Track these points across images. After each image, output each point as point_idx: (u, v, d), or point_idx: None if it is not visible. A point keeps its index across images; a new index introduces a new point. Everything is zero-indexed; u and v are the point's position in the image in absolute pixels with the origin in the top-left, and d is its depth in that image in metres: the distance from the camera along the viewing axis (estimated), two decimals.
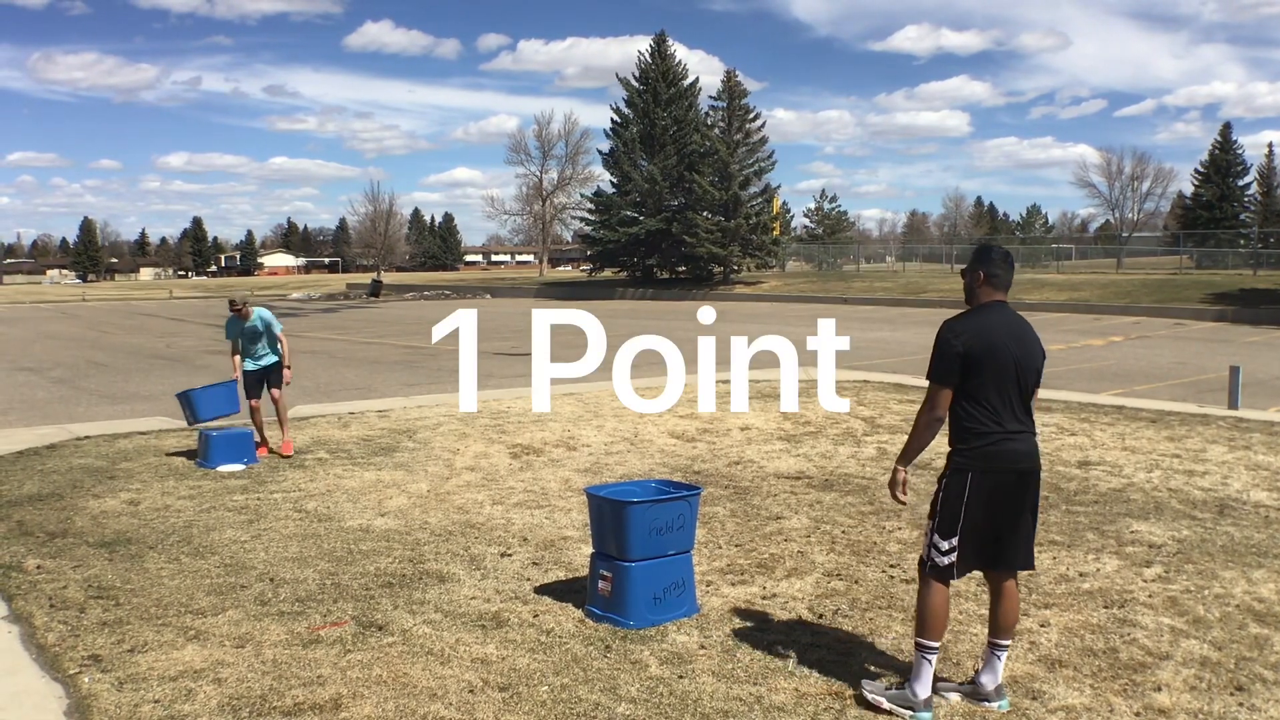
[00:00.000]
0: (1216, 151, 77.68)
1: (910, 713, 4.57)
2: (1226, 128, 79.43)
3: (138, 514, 8.34)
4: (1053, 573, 6.67)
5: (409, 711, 4.66)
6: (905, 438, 4.86)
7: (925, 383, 4.77)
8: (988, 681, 4.76)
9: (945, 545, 4.67)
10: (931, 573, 4.71)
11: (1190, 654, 5.33)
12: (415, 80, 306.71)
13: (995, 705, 4.70)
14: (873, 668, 5.13)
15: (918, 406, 4.84)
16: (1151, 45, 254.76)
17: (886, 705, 4.61)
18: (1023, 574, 6.61)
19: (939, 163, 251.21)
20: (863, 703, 4.70)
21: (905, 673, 4.96)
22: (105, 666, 5.17)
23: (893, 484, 4.79)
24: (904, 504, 4.87)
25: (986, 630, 4.97)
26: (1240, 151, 77.79)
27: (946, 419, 4.71)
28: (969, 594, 6.24)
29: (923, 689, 4.62)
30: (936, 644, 4.66)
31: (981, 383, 4.64)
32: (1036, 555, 6.99)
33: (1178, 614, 5.91)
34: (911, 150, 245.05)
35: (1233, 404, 13.76)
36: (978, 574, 6.60)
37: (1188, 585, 6.42)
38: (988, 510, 4.66)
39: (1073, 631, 5.64)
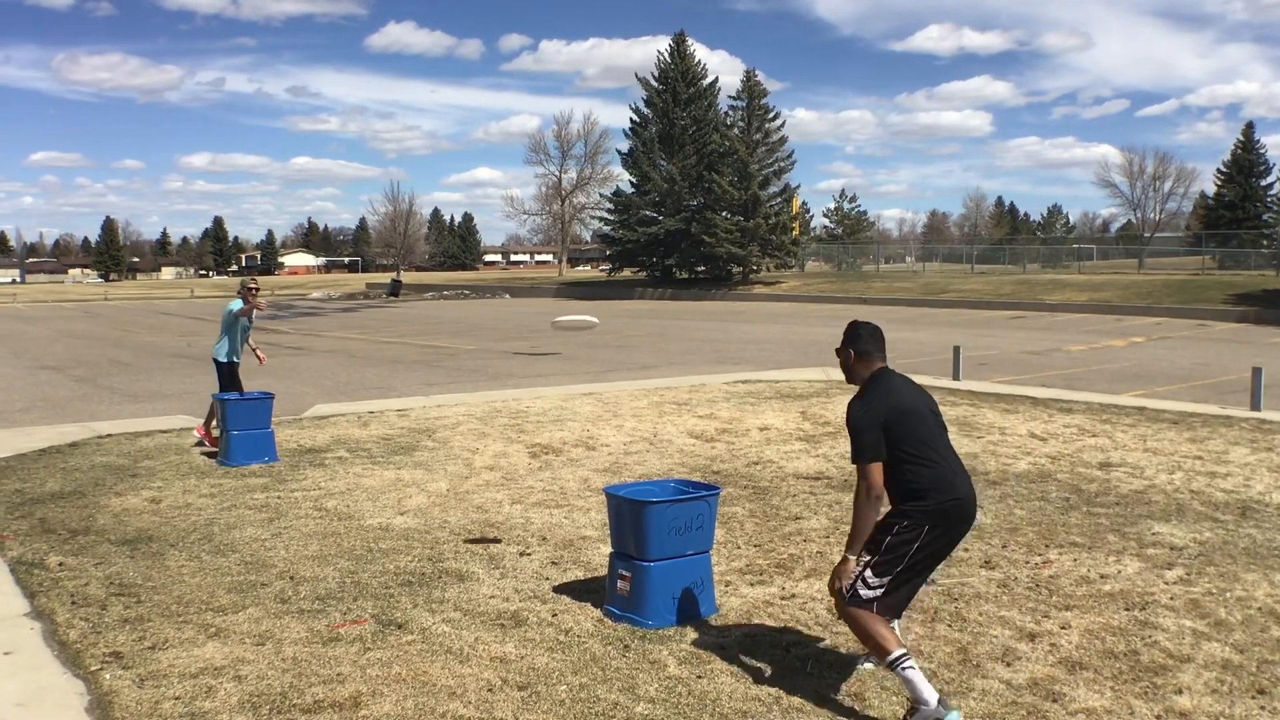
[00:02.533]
0: (1239, 151, 77.06)
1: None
2: (1249, 127, 78.79)
3: (159, 512, 8.39)
4: (1074, 574, 6.64)
5: (428, 710, 4.67)
6: None
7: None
8: None
9: (875, 582, 4.58)
10: (852, 602, 4.60)
11: (1212, 657, 5.29)
12: (437, 80, 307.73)
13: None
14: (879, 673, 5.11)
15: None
16: (1176, 44, 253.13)
17: None
18: (1044, 573, 6.61)
19: (960, 163, 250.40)
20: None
21: (924, 675, 4.96)
22: (126, 663, 5.20)
23: (844, 574, 4.62)
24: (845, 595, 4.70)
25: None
26: (1263, 151, 77.14)
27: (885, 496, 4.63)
28: (988, 596, 6.22)
29: (930, 694, 4.46)
30: (902, 650, 4.54)
31: (914, 441, 4.61)
32: (1057, 557, 7.00)
33: (1199, 616, 5.87)
34: (932, 150, 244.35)
35: (1255, 405, 13.66)
36: (1004, 572, 6.58)
37: (1209, 588, 6.38)
38: (930, 559, 4.67)
39: (1093, 634, 5.60)
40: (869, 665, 5.08)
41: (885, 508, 4.70)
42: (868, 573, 4.59)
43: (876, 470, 4.55)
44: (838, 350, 4.95)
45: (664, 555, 5.70)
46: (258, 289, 11.79)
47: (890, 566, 4.59)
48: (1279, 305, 35.14)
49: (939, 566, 4.89)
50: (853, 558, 4.60)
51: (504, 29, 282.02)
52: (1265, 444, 11.11)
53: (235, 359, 11.88)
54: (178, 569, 6.82)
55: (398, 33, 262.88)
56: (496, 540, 7.44)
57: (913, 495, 4.61)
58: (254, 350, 12.33)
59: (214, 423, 11.21)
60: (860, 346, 4.85)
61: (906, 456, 4.58)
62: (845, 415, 4.73)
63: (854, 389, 4.89)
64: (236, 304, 11.67)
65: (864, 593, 4.59)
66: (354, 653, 5.33)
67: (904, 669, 4.48)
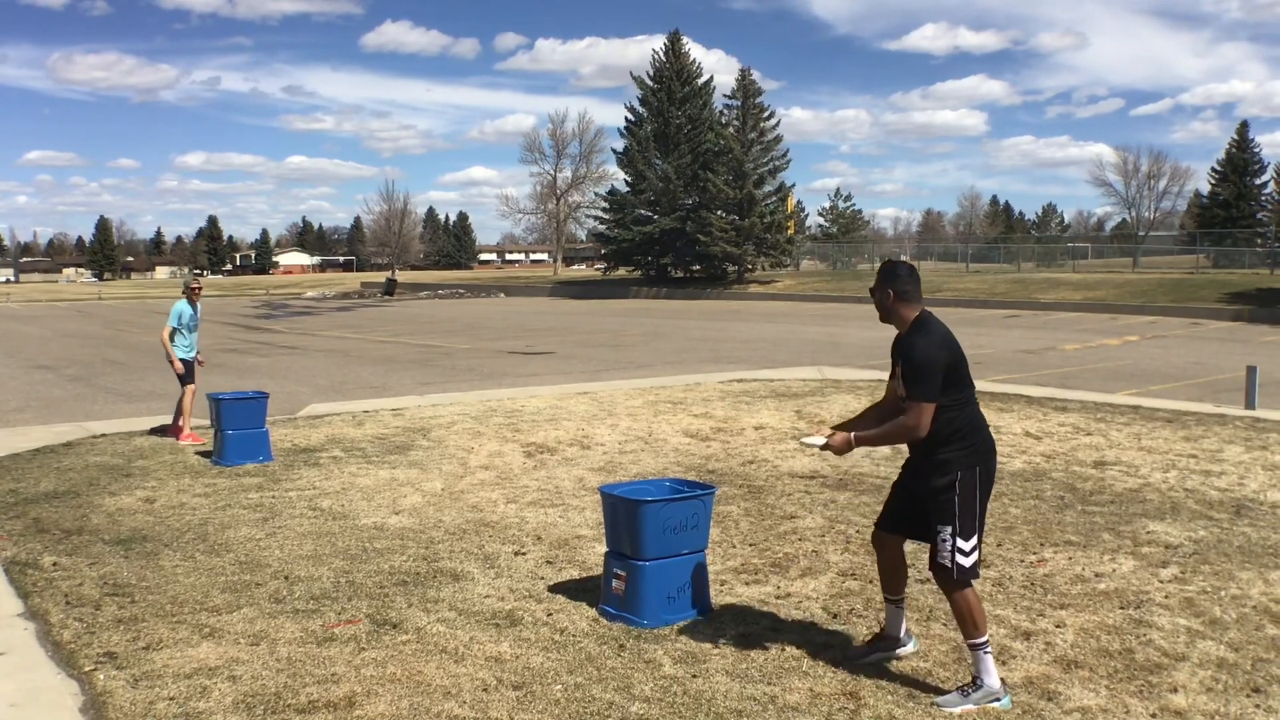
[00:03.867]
0: (1234, 150, 77.19)
1: (998, 703, 4.66)
2: (1244, 126, 78.98)
3: (153, 512, 8.37)
4: (1068, 573, 6.65)
5: (423, 710, 4.66)
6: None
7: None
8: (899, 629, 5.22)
9: (969, 546, 4.71)
10: (960, 577, 4.72)
11: (1206, 655, 5.30)
12: (433, 79, 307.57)
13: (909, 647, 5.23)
14: (888, 668, 5.12)
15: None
16: (1171, 43, 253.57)
17: (974, 709, 4.63)
18: (1039, 572, 6.62)
19: (955, 162, 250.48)
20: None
21: (919, 674, 4.97)
22: (120, 664, 5.19)
23: (836, 445, 4.79)
24: (819, 445, 4.86)
25: (885, 592, 5.23)
26: (1258, 150, 77.31)
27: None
28: (983, 594, 6.22)
29: (994, 678, 4.70)
30: (987, 636, 4.76)
31: (962, 386, 4.74)
32: (1052, 555, 7.01)
33: (1194, 615, 5.88)
34: (928, 149, 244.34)
35: (1250, 404, 13.68)
36: (999, 571, 6.58)
37: (1204, 586, 6.39)
38: (986, 501, 4.82)
39: (1088, 632, 5.61)
40: (911, 646, 5.27)
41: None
42: (957, 541, 4.70)
43: (931, 412, 4.65)
44: (872, 290, 4.91)
45: (659, 554, 5.70)
46: (200, 288, 12.19)
47: (972, 522, 4.72)
48: (1273, 304, 35.19)
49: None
50: (853, 437, 4.78)
51: (500, 28, 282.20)
52: (1259, 442, 11.13)
53: (188, 355, 12.11)
54: (172, 569, 6.80)
55: (393, 32, 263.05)
56: None
57: (955, 436, 4.71)
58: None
59: (188, 419, 11.67)
60: (900, 286, 4.83)
61: (951, 402, 4.69)
62: (909, 350, 4.73)
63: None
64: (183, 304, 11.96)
65: (965, 562, 4.72)
66: (349, 653, 5.32)
67: (985, 651, 4.71)
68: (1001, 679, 4.78)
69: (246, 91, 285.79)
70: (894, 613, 5.21)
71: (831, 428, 5.07)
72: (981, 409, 4.90)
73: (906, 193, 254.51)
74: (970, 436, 4.74)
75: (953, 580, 4.74)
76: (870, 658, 5.17)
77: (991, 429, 4.95)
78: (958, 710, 4.63)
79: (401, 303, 57.01)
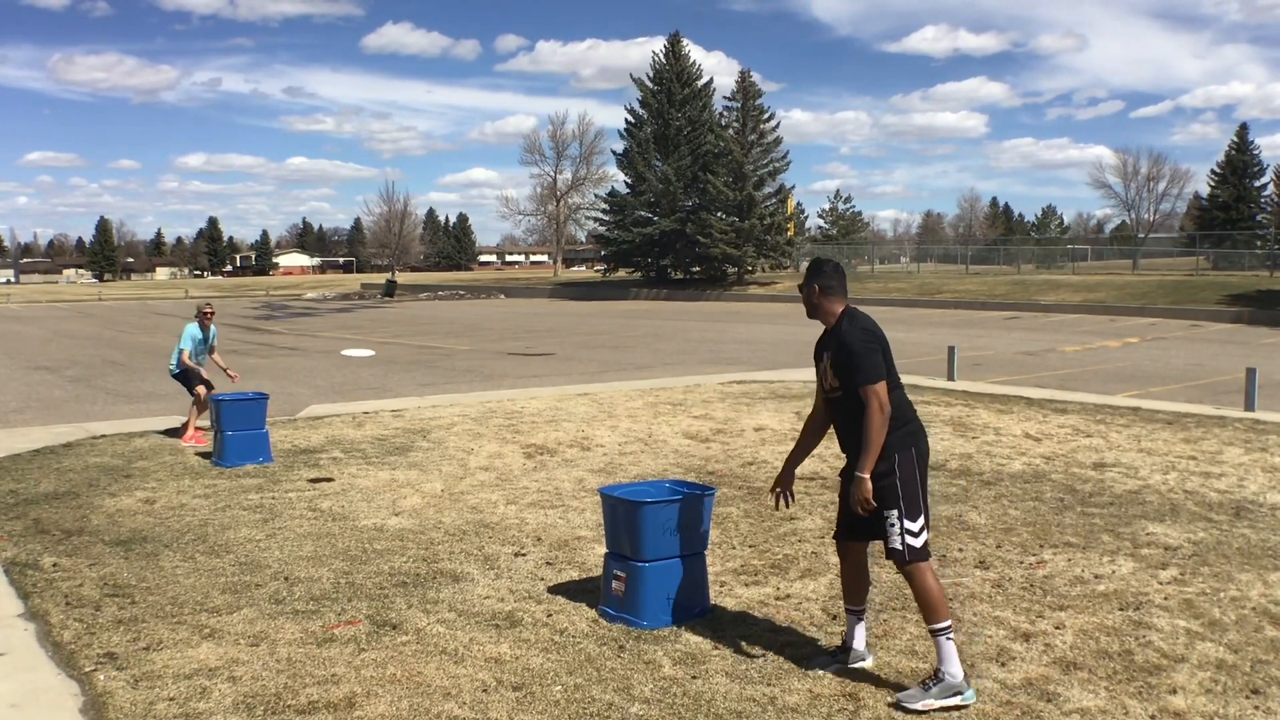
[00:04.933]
0: (1233, 152, 77.27)
1: (959, 696, 4.65)
2: (1243, 128, 79.10)
3: (153, 512, 8.38)
4: (1068, 575, 6.65)
5: (423, 711, 4.66)
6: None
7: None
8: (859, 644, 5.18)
9: (916, 526, 4.78)
10: (912, 559, 4.77)
11: (1206, 657, 5.30)
12: (433, 81, 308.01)
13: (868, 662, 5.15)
14: (887, 669, 5.12)
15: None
16: (1172, 45, 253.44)
17: (937, 704, 4.63)
18: (1038, 573, 6.62)
19: (955, 163, 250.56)
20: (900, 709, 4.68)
21: (919, 674, 4.96)
22: (120, 664, 5.19)
23: (864, 499, 4.76)
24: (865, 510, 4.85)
25: (846, 602, 5.24)
26: (1257, 152, 77.42)
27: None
28: (982, 596, 6.23)
29: (957, 668, 4.70)
30: (949, 621, 4.76)
31: (893, 371, 4.87)
32: (1052, 557, 7.01)
33: (1193, 617, 5.88)
34: (928, 151, 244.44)
35: (1249, 406, 13.68)
36: (998, 572, 6.59)
37: (1203, 588, 6.39)
38: (924, 477, 4.90)
39: (1088, 634, 5.61)
40: (868, 663, 5.16)
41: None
42: (905, 523, 4.76)
43: (885, 389, 4.76)
44: (800, 286, 5.08)
45: (659, 556, 5.70)
46: (211, 313, 12.26)
47: (916, 503, 4.79)
48: (1272, 306, 35.21)
49: None
50: (867, 476, 4.75)
51: (500, 29, 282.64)
52: (1259, 444, 11.13)
53: (173, 369, 12.31)
54: (172, 570, 6.81)
55: (394, 33, 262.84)
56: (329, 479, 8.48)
57: (896, 424, 4.81)
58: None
59: (192, 422, 11.81)
60: (825, 282, 5.01)
61: (892, 384, 4.82)
62: (844, 339, 4.85)
63: None
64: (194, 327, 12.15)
65: (916, 543, 4.78)
66: (348, 653, 5.33)
67: (946, 637, 4.72)
68: (1000, 678, 4.77)
69: (247, 93, 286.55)
70: (853, 623, 5.20)
71: (780, 473, 5.28)
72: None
73: (906, 194, 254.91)
74: (907, 423, 4.86)
75: (905, 561, 4.79)
76: (830, 668, 5.09)
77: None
78: (919, 706, 4.63)
79: (401, 304, 57.02)
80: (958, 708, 4.63)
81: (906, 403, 4.93)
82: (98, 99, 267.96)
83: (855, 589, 5.20)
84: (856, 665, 5.14)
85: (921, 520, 4.80)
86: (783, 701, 4.76)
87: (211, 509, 8.47)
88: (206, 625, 5.75)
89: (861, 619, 5.21)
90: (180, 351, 12.02)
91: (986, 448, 10.80)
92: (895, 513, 4.77)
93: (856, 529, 5.02)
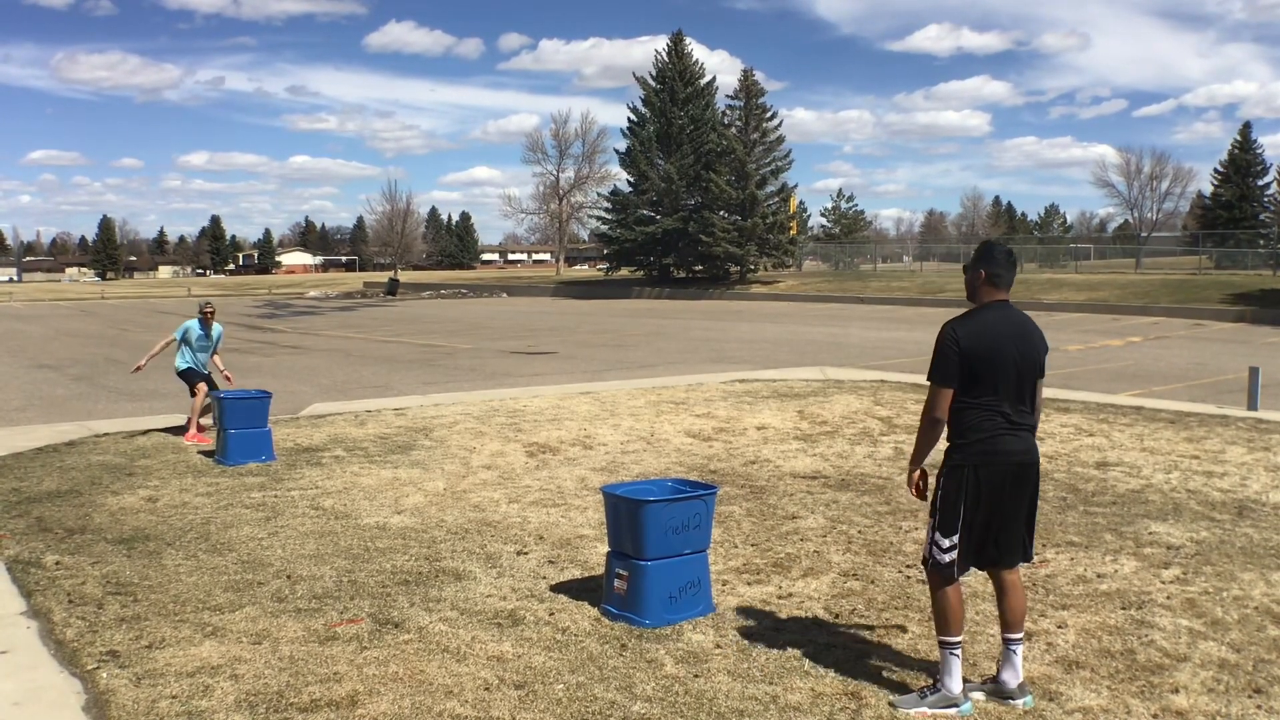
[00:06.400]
0: (1236, 151, 77.19)
1: (955, 709, 4.63)
2: (1246, 127, 79.00)
3: (156, 511, 8.38)
4: (1070, 574, 6.65)
5: (425, 709, 4.67)
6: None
7: None
8: (1009, 679, 4.76)
9: (946, 543, 4.69)
10: (934, 570, 4.75)
11: (1208, 656, 5.30)
12: (436, 79, 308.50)
13: (1020, 702, 4.71)
14: (889, 668, 5.12)
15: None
16: (1175, 44, 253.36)
17: (930, 713, 4.61)
18: (1041, 572, 6.61)
19: (958, 162, 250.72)
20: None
21: (920, 674, 4.97)
22: (123, 662, 5.20)
23: (910, 484, 4.87)
24: (926, 500, 4.89)
25: (1000, 628, 4.95)
26: (1260, 151, 77.34)
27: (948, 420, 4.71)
28: (987, 594, 6.22)
29: (955, 683, 4.66)
30: (959, 638, 4.71)
31: (981, 382, 4.62)
32: (1054, 556, 7.00)
33: (1196, 616, 5.88)
34: (930, 150, 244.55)
35: (1252, 405, 13.67)
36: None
37: (1206, 587, 6.39)
38: (987, 506, 4.67)
39: (1090, 633, 5.61)
40: (979, 695, 4.81)
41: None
42: (936, 534, 4.73)
43: (943, 395, 4.64)
44: (965, 267, 4.87)
45: (661, 554, 5.70)
46: (212, 312, 12.24)
47: (952, 521, 4.68)
48: (1275, 305, 35.15)
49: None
50: (915, 470, 4.80)
51: (503, 28, 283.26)
52: (1262, 443, 11.12)
53: (199, 368, 12.26)
54: (174, 568, 6.81)
55: (397, 32, 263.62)
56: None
57: (958, 433, 4.69)
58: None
59: (196, 420, 11.84)
60: (993, 269, 4.76)
61: (967, 392, 4.62)
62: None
63: None
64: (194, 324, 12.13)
65: (941, 557, 4.72)
66: (351, 652, 5.33)
67: (951, 652, 4.67)
68: (963, 690, 4.69)
69: (250, 91, 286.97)
70: (1003, 653, 4.82)
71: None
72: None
73: (909, 193, 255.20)
74: (973, 436, 4.63)
75: (927, 570, 4.78)
76: (976, 692, 4.80)
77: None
78: (912, 712, 4.62)
79: (404, 302, 57.02)
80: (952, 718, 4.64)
81: (990, 425, 4.62)
82: (101, 98, 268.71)
83: (1005, 614, 4.84)
84: (1013, 703, 4.74)
85: (954, 539, 4.66)
86: (785, 700, 4.76)
87: (214, 507, 8.48)
88: (209, 623, 5.75)
89: (1012, 649, 4.78)
90: (171, 340, 12.07)
91: None
92: (933, 520, 4.76)
93: (992, 558, 4.79)
